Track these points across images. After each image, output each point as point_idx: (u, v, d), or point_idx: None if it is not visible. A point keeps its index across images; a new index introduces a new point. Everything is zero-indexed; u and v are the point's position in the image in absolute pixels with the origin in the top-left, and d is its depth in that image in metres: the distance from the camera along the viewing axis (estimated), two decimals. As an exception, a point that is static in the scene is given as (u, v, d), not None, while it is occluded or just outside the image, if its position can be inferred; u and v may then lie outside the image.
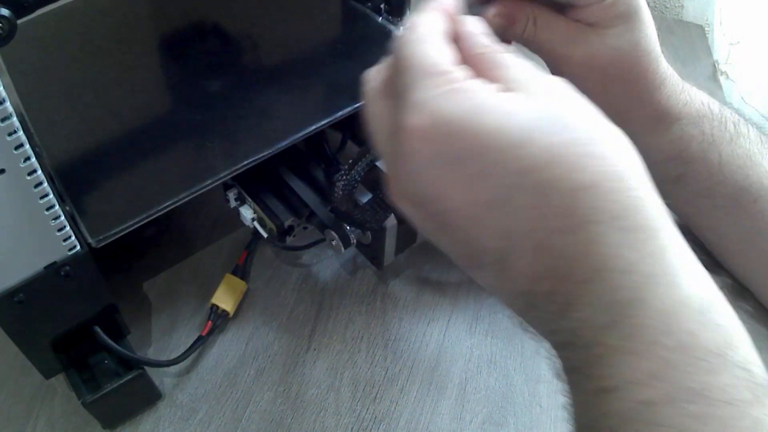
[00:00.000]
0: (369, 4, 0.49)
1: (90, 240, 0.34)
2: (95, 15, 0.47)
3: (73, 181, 0.37)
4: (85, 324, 0.37)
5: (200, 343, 0.42)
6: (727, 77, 0.68)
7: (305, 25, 0.49)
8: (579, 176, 0.23)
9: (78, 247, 0.33)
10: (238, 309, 0.44)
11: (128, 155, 0.39)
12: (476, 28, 0.30)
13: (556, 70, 0.40)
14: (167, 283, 0.46)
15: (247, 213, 0.44)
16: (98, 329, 0.37)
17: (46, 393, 0.40)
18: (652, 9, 0.78)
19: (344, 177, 0.34)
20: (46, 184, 0.29)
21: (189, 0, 0.50)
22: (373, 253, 0.42)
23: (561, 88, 0.26)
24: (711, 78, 0.66)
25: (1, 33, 0.36)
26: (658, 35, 0.40)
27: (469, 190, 0.25)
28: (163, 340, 0.43)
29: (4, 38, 0.36)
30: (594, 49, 0.39)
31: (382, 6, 0.48)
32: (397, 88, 0.27)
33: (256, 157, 0.39)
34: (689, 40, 0.70)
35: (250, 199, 0.44)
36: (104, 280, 0.36)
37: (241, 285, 0.45)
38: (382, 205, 0.34)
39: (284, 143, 0.39)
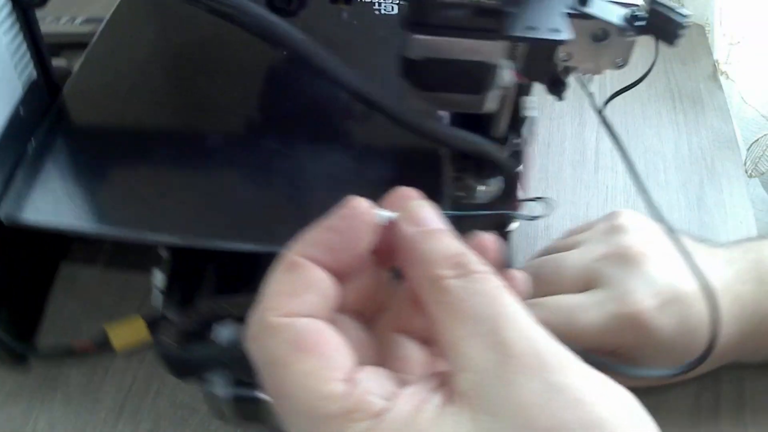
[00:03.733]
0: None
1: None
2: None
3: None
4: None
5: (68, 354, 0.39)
6: (727, 77, 0.68)
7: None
8: None
9: None
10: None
11: (112, 161, 0.38)
12: (431, 222, 0.21)
13: None
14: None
15: (158, 278, 0.35)
16: None
17: (46, 393, 0.40)
18: (652, 9, 0.78)
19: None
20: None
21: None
22: None
23: (541, 382, 0.18)
24: (711, 78, 0.66)
25: None
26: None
27: None
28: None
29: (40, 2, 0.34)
30: None
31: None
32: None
33: (205, 243, 0.33)
34: (689, 40, 0.70)
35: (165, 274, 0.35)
36: None
37: (145, 336, 0.38)
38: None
39: (239, 245, 0.33)
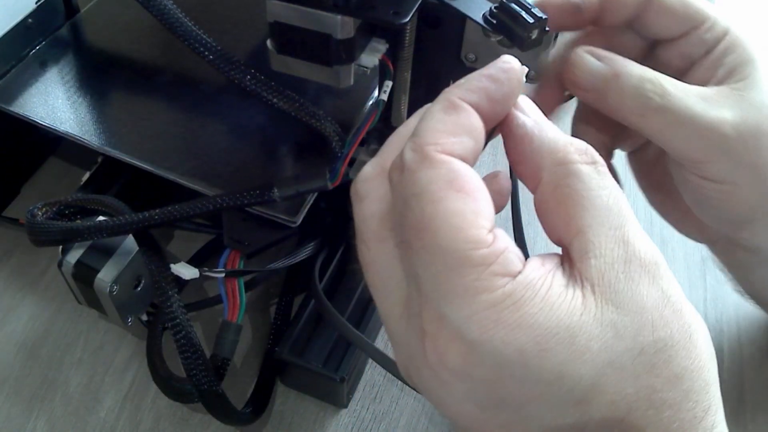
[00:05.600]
0: None
1: None
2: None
3: None
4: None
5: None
6: (727, 77, 0.68)
7: None
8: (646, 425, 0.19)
9: None
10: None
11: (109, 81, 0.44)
12: (553, 141, 0.20)
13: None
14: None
15: (84, 176, 0.42)
16: None
17: (46, 393, 0.40)
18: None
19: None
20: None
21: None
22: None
23: (658, 289, 0.19)
24: (711, 78, 0.66)
25: None
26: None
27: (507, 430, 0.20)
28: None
29: None
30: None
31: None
32: (411, 268, 0.20)
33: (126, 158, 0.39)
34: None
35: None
36: None
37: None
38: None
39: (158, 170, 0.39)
